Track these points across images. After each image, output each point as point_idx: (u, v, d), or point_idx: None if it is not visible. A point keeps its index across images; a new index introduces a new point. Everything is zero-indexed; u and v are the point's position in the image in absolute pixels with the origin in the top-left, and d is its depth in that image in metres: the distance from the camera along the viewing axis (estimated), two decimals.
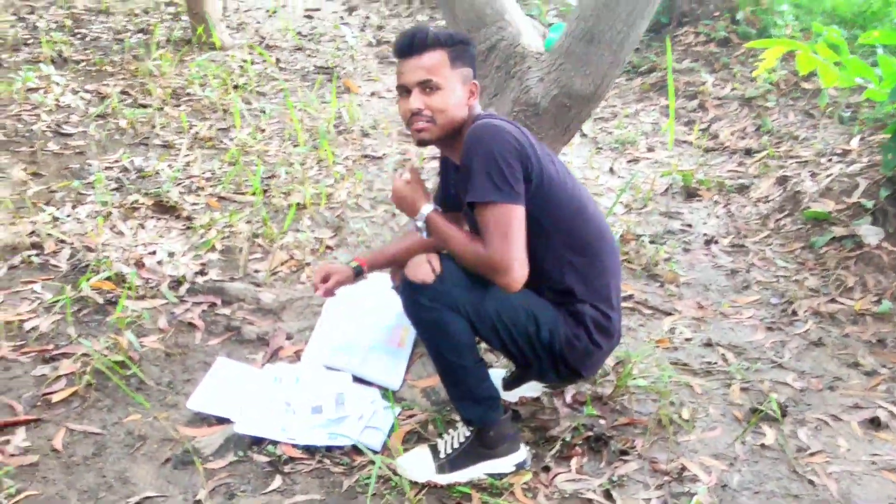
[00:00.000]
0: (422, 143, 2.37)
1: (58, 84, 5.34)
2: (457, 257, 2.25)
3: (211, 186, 4.24)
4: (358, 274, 2.71)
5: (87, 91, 5.41)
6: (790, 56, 5.00)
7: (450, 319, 2.23)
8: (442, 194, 2.65)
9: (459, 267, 2.23)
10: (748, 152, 4.77)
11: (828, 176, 4.14)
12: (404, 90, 2.31)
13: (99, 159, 4.46)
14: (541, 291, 2.32)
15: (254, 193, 4.16)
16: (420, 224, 2.35)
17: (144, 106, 5.22)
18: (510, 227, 2.15)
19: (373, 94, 5.81)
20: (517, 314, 2.28)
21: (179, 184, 4.22)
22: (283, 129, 5.02)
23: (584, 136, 5.14)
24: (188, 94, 5.46)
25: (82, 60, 6.04)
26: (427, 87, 2.27)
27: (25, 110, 5.01)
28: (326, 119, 5.05)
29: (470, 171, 2.19)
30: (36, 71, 5.48)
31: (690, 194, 4.39)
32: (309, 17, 7.78)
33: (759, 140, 4.85)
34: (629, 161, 4.80)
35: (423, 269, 2.21)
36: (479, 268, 2.20)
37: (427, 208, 2.33)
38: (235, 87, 5.62)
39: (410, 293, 2.24)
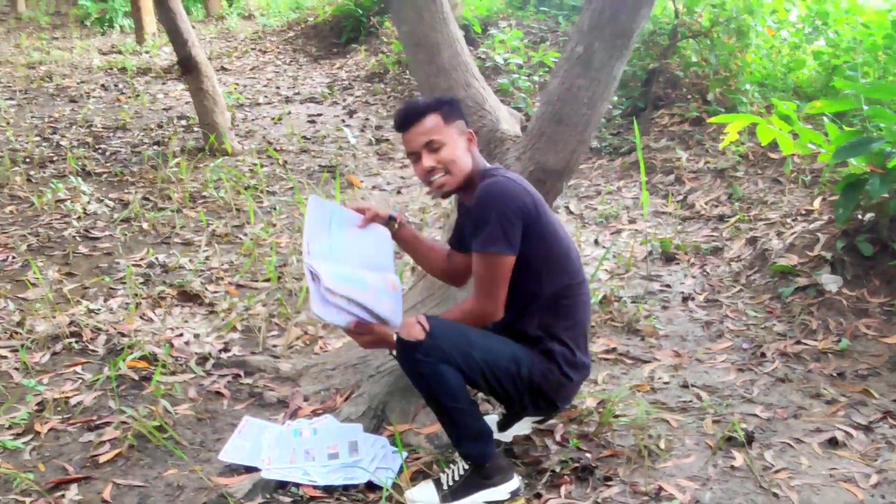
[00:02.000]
0: (445, 195, 2.79)
1: (84, 193, 5.82)
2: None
3: (229, 276, 4.65)
4: (391, 219, 2.91)
5: (110, 199, 5.89)
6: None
7: (443, 370, 2.57)
8: (457, 235, 3.02)
9: (446, 323, 2.60)
10: (721, 218, 5.17)
11: (792, 234, 4.53)
12: (414, 156, 2.72)
13: (126, 258, 4.89)
14: (521, 327, 2.69)
15: (267, 280, 4.56)
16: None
17: (164, 209, 5.68)
18: (498, 276, 2.59)
19: (374, 187, 6.27)
20: (500, 359, 2.64)
21: (201, 275, 4.63)
22: (293, 222, 5.46)
23: (570, 213, 5.57)
24: (203, 197, 5.93)
25: (104, 172, 6.55)
26: (432, 146, 2.66)
27: (55, 219, 5.47)
28: None
29: (478, 223, 2.59)
30: (65, 183, 5.96)
31: (669, 259, 4.76)
32: (312, 121, 8.33)
33: (732, 207, 5.26)
34: (612, 233, 5.21)
35: (415, 329, 2.55)
36: (470, 323, 2.63)
37: (393, 335, 2.63)
38: (247, 188, 6.08)
39: (406, 351, 2.58)
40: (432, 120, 2.66)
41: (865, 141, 4.07)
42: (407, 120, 2.69)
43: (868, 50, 5.94)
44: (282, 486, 2.84)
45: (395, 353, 2.66)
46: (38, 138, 7.60)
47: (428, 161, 2.67)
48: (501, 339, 2.69)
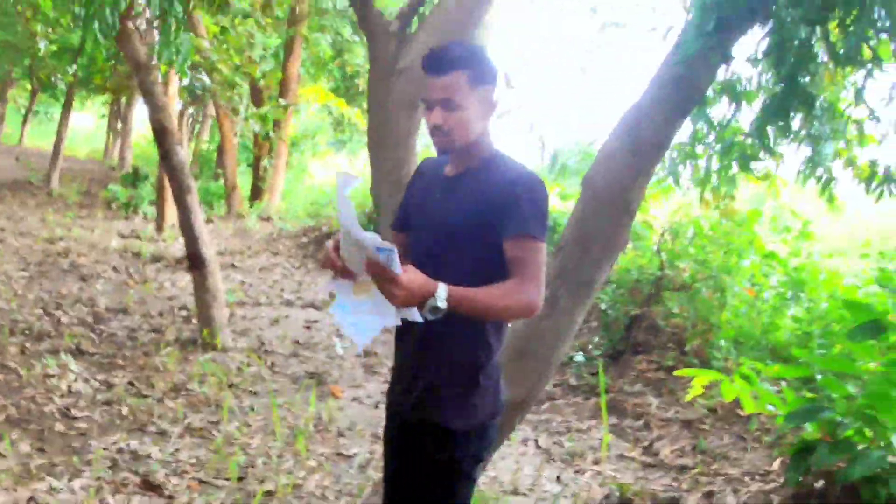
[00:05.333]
0: (441, 151, 2.64)
1: (73, 372, 6.00)
2: (492, 314, 2.49)
3: (195, 470, 4.74)
4: None
5: (97, 380, 6.07)
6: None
7: None
8: (403, 215, 2.85)
9: None
10: (682, 469, 5.27)
11: (747, 493, 4.63)
12: (428, 104, 2.58)
13: (99, 440, 5.00)
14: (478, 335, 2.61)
15: (227, 479, 4.65)
16: (441, 304, 2.33)
17: (147, 397, 5.83)
18: (543, 265, 2.49)
19: (354, 399, 6.42)
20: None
21: (167, 466, 4.72)
22: (268, 425, 5.58)
23: (538, 447, 5.68)
24: (187, 389, 6.09)
25: (97, 353, 6.76)
26: (447, 105, 2.52)
27: (39, 393, 5.63)
28: (306, 419, 5.62)
29: (520, 206, 2.48)
30: (56, 359, 6.17)
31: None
32: (308, 327, 8.60)
33: (694, 458, 5.37)
34: (576, 471, 5.29)
35: None
36: (516, 313, 2.52)
37: (443, 288, 2.33)
38: (230, 385, 6.25)
39: None
40: (459, 78, 2.51)
41: (816, 409, 4.26)
42: (432, 66, 2.55)
43: (838, 321, 6.22)
44: None
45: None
46: (40, 311, 7.86)
47: (436, 118, 2.55)
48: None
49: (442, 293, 2.32)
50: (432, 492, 2.64)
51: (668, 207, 7.80)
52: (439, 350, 2.59)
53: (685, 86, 3.65)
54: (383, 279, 2.27)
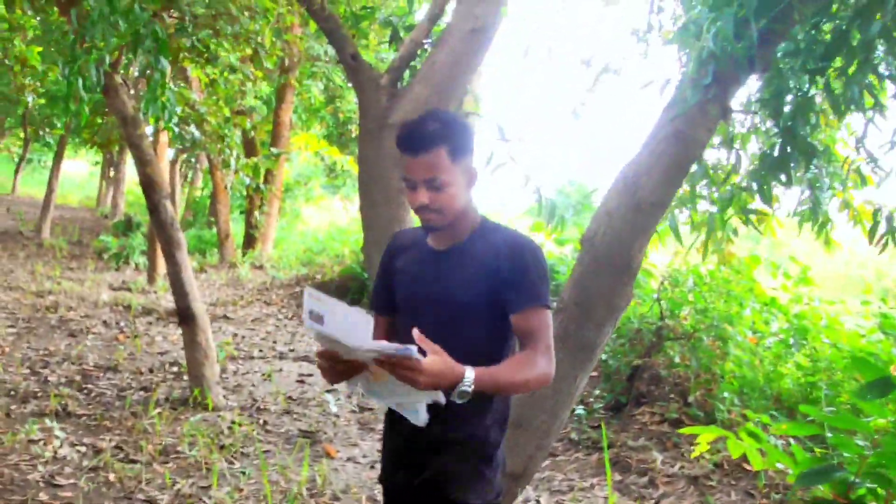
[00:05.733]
0: (430, 230, 2.57)
1: (58, 437, 5.81)
2: (511, 390, 2.50)
3: None
4: None
5: (84, 444, 5.87)
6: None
7: None
8: (385, 295, 2.75)
9: None
10: None
11: None
12: (410, 183, 2.49)
13: None
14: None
15: None
16: (469, 388, 2.28)
17: (134, 461, 5.64)
18: (552, 333, 2.51)
19: (349, 458, 6.23)
20: None
21: None
22: (260, 490, 5.40)
23: None
24: (177, 452, 5.90)
25: (84, 415, 6.57)
26: (432, 184, 2.44)
27: (24, 460, 5.44)
28: (300, 482, 5.44)
29: (527, 276, 2.47)
30: (40, 423, 5.98)
31: None
32: (301, 381, 8.41)
33: None
34: None
35: None
36: (533, 386, 2.47)
37: (470, 371, 2.28)
38: (221, 447, 6.06)
39: None
40: (439, 156, 2.44)
41: (829, 469, 4.08)
42: (410, 146, 2.46)
43: (843, 371, 6.08)
44: None
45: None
46: (27, 371, 7.68)
47: (423, 197, 2.47)
48: None
49: (470, 376, 2.26)
50: None
51: (665, 253, 7.68)
52: (453, 427, 2.53)
53: (683, 141, 3.54)
54: (403, 368, 2.18)
